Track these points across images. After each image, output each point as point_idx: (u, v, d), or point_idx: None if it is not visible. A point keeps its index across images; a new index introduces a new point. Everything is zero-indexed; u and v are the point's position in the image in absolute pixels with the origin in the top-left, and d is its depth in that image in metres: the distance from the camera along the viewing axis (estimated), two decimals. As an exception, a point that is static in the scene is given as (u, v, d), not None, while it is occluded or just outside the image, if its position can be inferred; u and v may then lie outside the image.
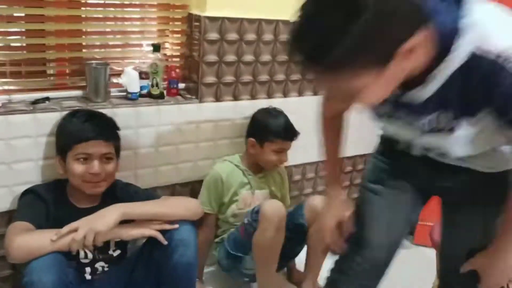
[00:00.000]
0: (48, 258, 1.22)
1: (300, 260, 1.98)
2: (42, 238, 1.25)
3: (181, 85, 1.89)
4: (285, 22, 1.92)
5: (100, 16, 1.75)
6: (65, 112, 1.55)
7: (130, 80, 1.73)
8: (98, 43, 1.78)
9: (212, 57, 1.83)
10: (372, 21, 0.71)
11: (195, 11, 1.81)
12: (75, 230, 1.27)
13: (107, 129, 1.49)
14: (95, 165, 1.42)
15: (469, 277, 1.17)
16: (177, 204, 1.49)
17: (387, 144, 1.27)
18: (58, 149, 1.49)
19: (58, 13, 1.64)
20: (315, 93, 2.12)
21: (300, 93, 2.11)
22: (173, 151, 1.84)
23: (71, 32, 1.70)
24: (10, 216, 1.51)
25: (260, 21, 1.88)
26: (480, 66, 0.84)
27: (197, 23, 1.79)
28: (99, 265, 1.47)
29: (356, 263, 1.30)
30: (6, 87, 1.60)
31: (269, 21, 1.90)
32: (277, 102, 2.00)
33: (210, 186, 1.83)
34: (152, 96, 1.77)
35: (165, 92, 1.80)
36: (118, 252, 1.52)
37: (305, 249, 1.92)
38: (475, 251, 1.16)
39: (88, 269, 1.45)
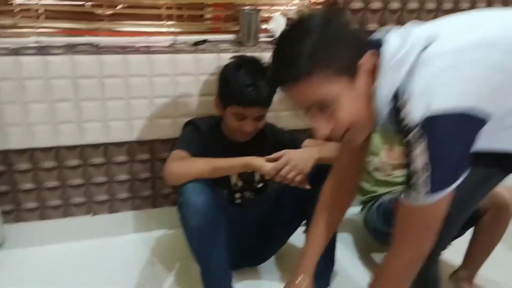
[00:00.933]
0: (200, 182, 1.38)
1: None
2: (195, 165, 1.42)
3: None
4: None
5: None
6: (222, 55, 1.70)
7: (278, 26, 1.82)
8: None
9: (357, 4, 1.84)
10: (317, 41, 0.90)
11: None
12: (277, 159, 1.39)
13: (268, 97, 1.49)
14: (250, 124, 1.50)
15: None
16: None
17: None
18: (220, 95, 1.55)
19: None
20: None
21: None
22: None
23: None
24: (172, 143, 1.75)
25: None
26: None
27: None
28: (246, 193, 1.66)
29: None
30: (172, 29, 1.80)
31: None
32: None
33: None
34: (297, 42, 1.85)
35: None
36: (261, 184, 1.68)
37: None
38: None
39: (238, 195, 1.64)
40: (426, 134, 0.85)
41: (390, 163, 1.77)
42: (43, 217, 1.76)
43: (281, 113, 1.80)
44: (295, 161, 1.38)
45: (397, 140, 0.98)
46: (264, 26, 1.86)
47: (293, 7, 1.88)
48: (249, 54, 1.62)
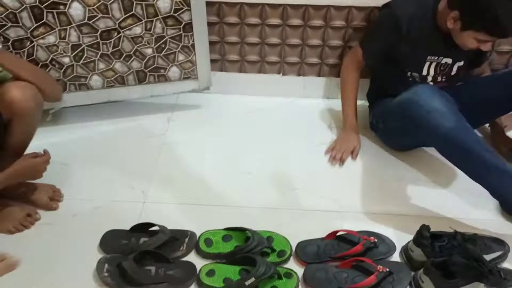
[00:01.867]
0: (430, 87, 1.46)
1: None
2: None
3: None
4: None
5: None
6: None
7: None
8: None
9: None
10: None
11: None
12: None
13: None
14: (488, 45, 1.46)
15: None
16: None
17: None
18: (466, 14, 1.41)
19: None
20: None
21: None
22: None
23: None
24: (370, 12, 1.74)
25: None
26: None
27: None
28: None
29: None
30: None
31: None
32: None
33: None
34: None
35: None
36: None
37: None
38: None
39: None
40: None
41: None
42: (242, 70, 1.97)
43: None
44: None
45: None
46: None
47: None
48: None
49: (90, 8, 1.57)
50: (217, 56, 1.94)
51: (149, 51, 1.73)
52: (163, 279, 1.27)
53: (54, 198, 1.50)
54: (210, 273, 1.28)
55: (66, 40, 1.62)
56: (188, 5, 1.64)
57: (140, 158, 1.71)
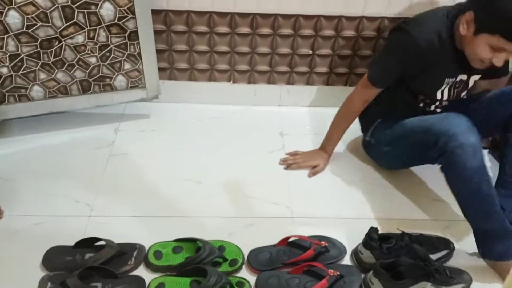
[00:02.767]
0: (469, 121, 1.36)
1: None
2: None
3: None
4: None
5: None
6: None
7: None
8: None
9: None
10: None
11: None
12: None
13: None
14: (502, 59, 1.31)
15: None
16: None
17: None
18: (478, 16, 1.30)
19: None
20: None
21: None
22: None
23: None
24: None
25: None
26: None
27: None
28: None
29: None
30: None
31: None
32: None
33: None
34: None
35: None
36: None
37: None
38: None
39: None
40: None
41: None
42: (192, 78, 1.95)
43: None
44: None
45: None
46: None
47: None
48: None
49: (29, 16, 1.51)
50: (166, 65, 1.91)
51: (93, 60, 1.68)
52: (110, 295, 1.22)
53: (-7, 215, 1.42)
54: (160, 286, 1.24)
55: (4, 49, 1.55)
56: (133, 13, 1.60)
57: (86, 170, 1.65)
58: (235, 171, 1.68)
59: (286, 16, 1.78)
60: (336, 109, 1.67)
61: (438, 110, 1.60)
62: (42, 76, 1.65)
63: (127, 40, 1.67)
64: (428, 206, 1.59)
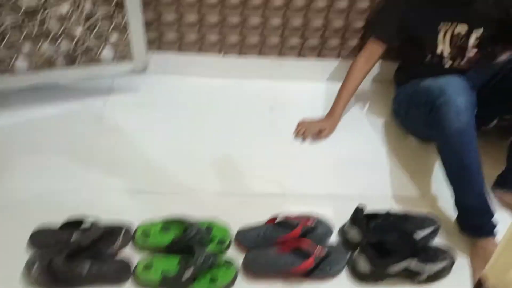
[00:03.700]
0: (462, 79, 1.39)
1: None
2: None
3: None
4: None
5: None
6: None
7: None
8: None
9: None
10: None
11: None
12: None
13: None
14: None
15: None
16: None
17: None
18: None
19: None
20: None
21: None
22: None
23: None
24: None
25: None
26: None
27: None
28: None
29: None
30: None
31: None
32: None
33: None
34: None
35: None
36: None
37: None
38: None
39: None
40: None
41: None
42: (181, 49, 1.90)
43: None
44: None
45: None
46: None
47: None
48: None
49: (10, -15, 1.45)
50: (155, 35, 1.85)
51: (78, 31, 1.62)
52: (97, 276, 1.22)
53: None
54: (148, 266, 1.25)
55: (-15, 20, 1.50)
56: (119, -18, 1.55)
57: (75, 144, 1.63)
58: (226, 147, 1.67)
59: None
60: (328, 83, 1.65)
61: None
62: (26, 48, 1.60)
63: (114, 10, 1.61)
64: (417, 184, 1.59)
